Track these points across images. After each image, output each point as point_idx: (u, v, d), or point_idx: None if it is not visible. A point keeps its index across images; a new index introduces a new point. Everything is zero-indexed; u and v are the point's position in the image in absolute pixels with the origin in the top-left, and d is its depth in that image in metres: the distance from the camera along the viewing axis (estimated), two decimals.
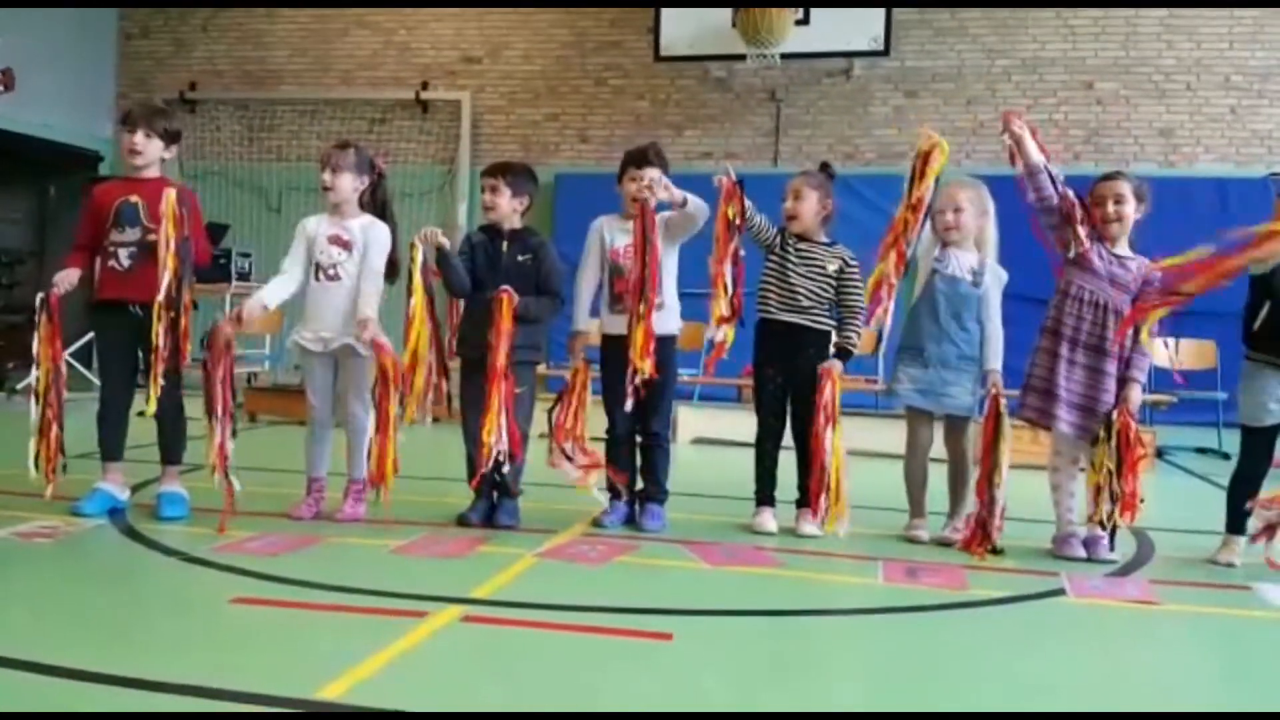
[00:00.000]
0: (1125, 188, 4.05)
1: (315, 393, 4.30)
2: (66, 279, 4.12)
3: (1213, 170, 9.17)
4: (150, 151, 4.18)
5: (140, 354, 4.16)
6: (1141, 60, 9.44)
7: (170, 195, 4.02)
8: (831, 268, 4.34)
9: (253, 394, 8.00)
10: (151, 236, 4.08)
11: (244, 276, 9.48)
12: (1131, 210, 4.04)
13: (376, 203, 4.34)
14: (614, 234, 4.35)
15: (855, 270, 4.34)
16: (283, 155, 10.93)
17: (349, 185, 4.22)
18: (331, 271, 4.20)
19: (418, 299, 4.11)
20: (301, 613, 3.02)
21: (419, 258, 4.11)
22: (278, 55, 11.02)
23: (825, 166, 4.60)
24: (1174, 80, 9.41)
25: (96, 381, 4.49)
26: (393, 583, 3.31)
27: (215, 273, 8.78)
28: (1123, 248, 4.07)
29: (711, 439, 7.13)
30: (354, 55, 10.86)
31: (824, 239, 4.43)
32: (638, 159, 4.34)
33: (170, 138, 4.24)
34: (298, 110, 10.95)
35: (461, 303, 4.33)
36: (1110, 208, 4.04)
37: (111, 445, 4.24)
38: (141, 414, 4.15)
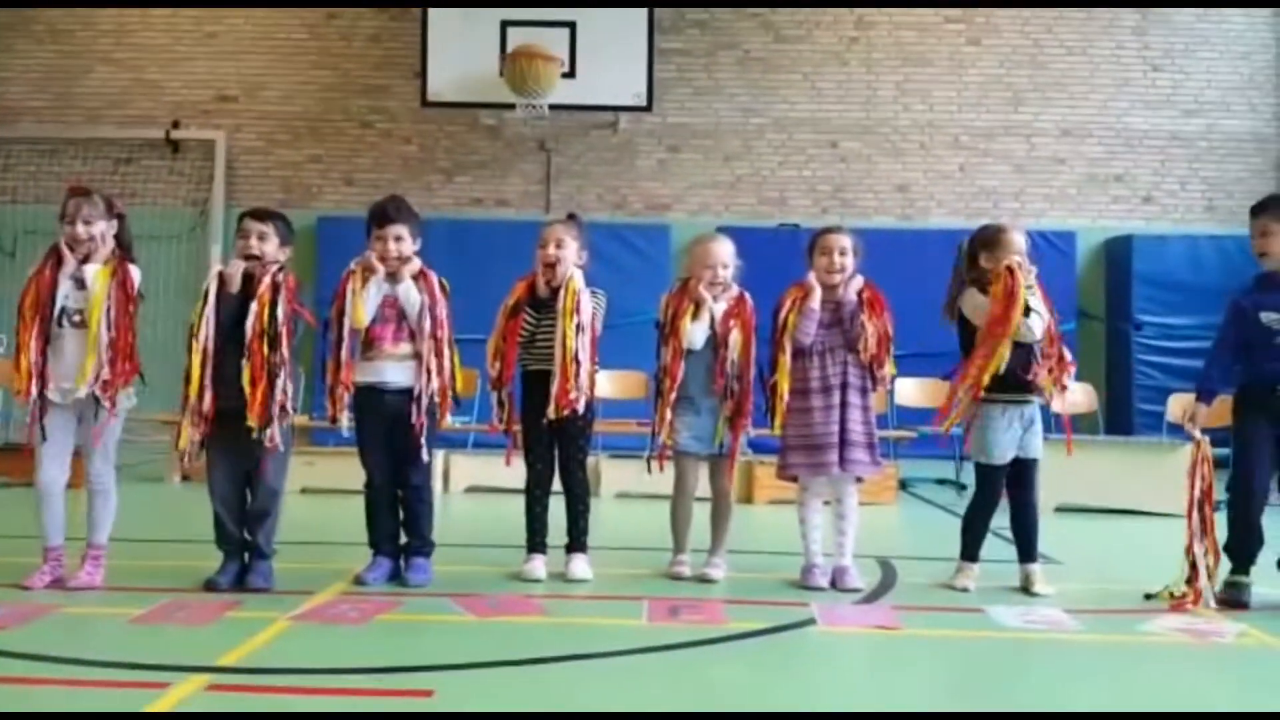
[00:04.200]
0: (848, 242, 4.35)
1: (48, 449, 3.99)
2: None
3: (945, 223, 9.92)
4: None
5: None
6: (881, 121, 10.17)
7: None
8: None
9: None
10: None
11: None
12: (851, 262, 4.33)
13: (122, 245, 4.13)
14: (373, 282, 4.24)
15: (599, 303, 4.41)
16: (18, 197, 10.17)
17: (104, 231, 4.03)
18: (76, 319, 3.97)
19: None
20: (31, 689, 2.81)
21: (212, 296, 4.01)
22: (14, 91, 10.30)
23: (573, 216, 4.69)
24: (909, 140, 10.18)
25: None
26: (132, 653, 3.11)
27: None
28: (837, 292, 4.32)
29: (486, 486, 7.06)
30: (99, 93, 10.27)
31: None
32: (378, 218, 4.25)
33: None
34: (37, 150, 10.24)
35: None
36: (836, 259, 4.31)
37: None
38: None
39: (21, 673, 2.92)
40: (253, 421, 3.94)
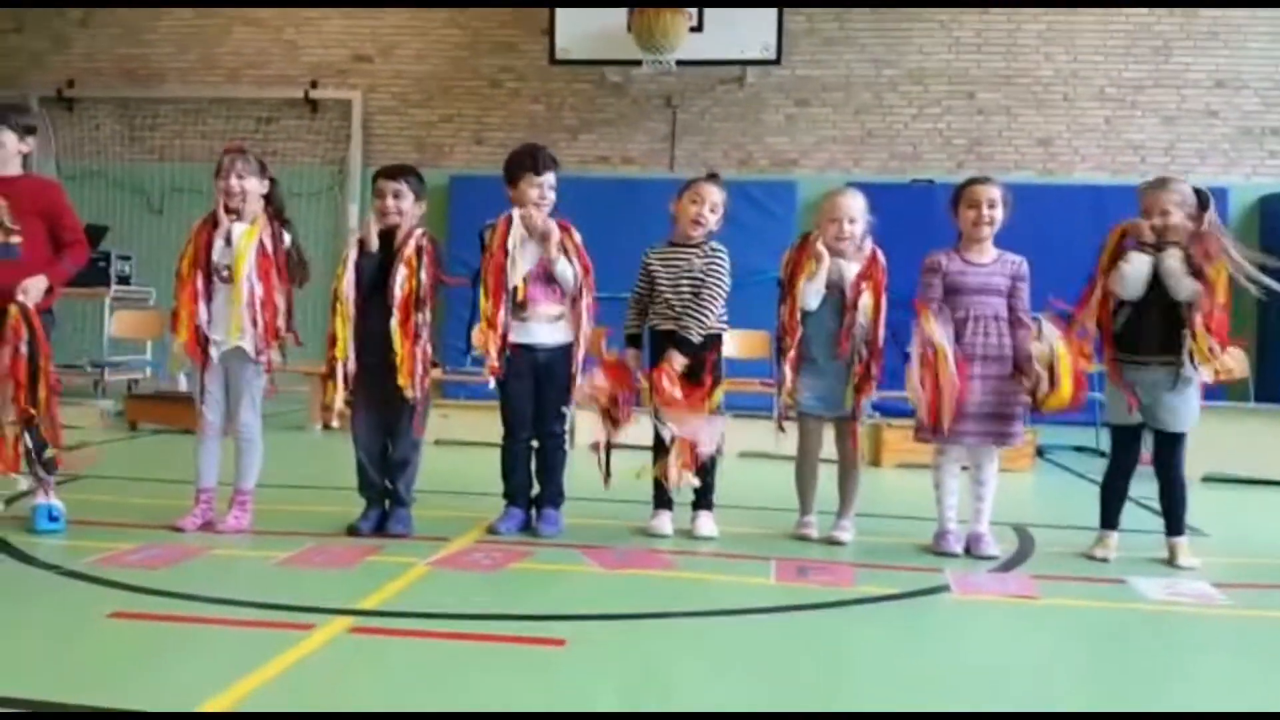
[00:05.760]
0: (997, 193, 4.18)
1: (205, 398, 4.18)
2: None
3: (1089, 179, 9.52)
4: (8, 146, 4.09)
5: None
6: (1021, 71, 9.76)
7: None
8: (699, 263, 4.33)
9: (134, 401, 7.72)
10: (14, 239, 4.01)
11: (124, 280, 9.14)
12: (1000, 215, 4.17)
13: (275, 208, 4.27)
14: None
15: (715, 262, 4.35)
16: (165, 155, 10.59)
17: (256, 189, 4.19)
18: (225, 274, 4.12)
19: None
20: (183, 626, 2.94)
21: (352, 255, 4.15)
22: (160, 52, 10.68)
23: (714, 175, 4.66)
24: (1052, 91, 9.76)
25: None
26: (279, 595, 3.24)
27: (94, 276, 8.44)
28: (986, 252, 4.19)
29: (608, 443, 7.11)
30: (240, 53, 10.59)
31: (696, 241, 4.40)
32: (537, 164, 4.27)
33: (26, 131, 4.18)
34: (181, 109, 10.63)
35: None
36: (985, 211, 4.15)
37: None
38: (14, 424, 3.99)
39: (175, 610, 3.06)
40: (403, 381, 4.06)
